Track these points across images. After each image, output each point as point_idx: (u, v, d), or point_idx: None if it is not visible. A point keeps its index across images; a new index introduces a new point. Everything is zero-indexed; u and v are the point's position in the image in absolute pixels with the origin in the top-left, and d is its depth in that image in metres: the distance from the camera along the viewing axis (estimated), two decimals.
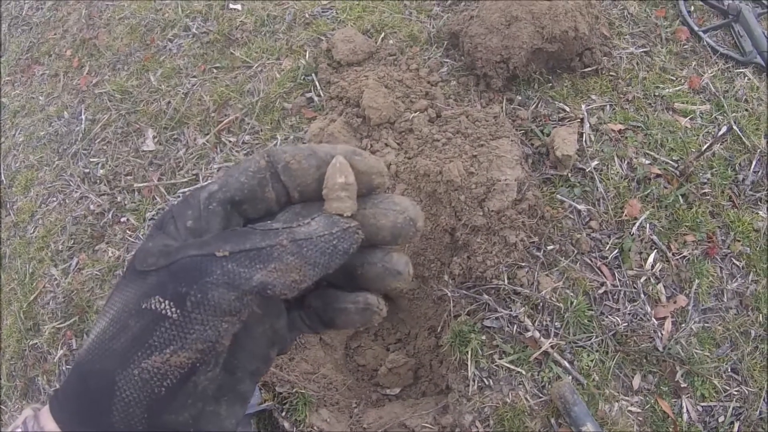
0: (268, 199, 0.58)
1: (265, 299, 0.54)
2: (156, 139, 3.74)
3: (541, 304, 2.77)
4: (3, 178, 4.17)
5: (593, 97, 3.23)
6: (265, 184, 0.57)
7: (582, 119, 3.13)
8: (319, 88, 3.48)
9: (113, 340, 0.53)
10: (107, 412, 0.51)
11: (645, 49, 3.43)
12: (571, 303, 2.75)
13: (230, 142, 3.51)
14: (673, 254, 2.86)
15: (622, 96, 3.24)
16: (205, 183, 0.61)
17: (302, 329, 0.65)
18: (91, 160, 3.87)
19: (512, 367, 2.68)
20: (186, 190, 3.46)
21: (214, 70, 3.88)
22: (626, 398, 2.62)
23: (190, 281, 0.51)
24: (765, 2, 3.54)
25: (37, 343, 3.40)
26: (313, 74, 3.55)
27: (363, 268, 0.60)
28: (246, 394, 0.61)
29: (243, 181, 0.57)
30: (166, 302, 0.51)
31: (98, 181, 3.75)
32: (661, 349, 2.67)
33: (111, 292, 0.57)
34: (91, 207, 3.66)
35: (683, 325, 2.74)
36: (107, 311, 0.55)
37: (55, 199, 3.85)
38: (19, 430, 0.57)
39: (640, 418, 2.59)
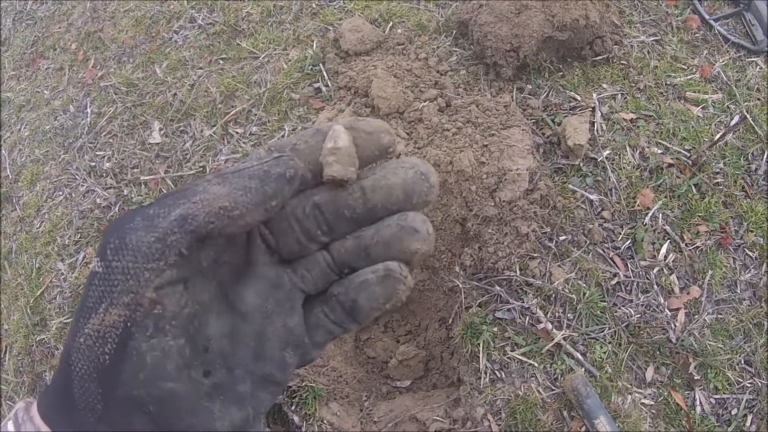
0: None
1: (198, 246, 0.51)
2: (162, 132, 3.72)
3: (553, 295, 2.74)
4: (9, 172, 4.15)
5: (604, 85, 3.20)
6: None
7: (593, 108, 3.10)
8: (326, 78, 3.45)
9: (75, 318, 0.50)
10: (69, 390, 0.49)
11: (656, 38, 3.39)
12: (584, 294, 2.72)
13: (237, 133, 3.48)
14: (686, 245, 2.83)
15: (633, 85, 3.21)
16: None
17: (329, 327, 0.60)
18: (97, 153, 3.85)
19: (524, 359, 2.66)
20: None
21: (221, 62, 3.85)
22: (639, 390, 2.60)
23: (111, 232, 0.49)
24: None
25: (44, 339, 3.38)
26: (320, 64, 3.52)
27: (378, 232, 0.56)
28: (247, 397, 0.57)
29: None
30: (96, 259, 0.49)
31: (104, 174, 3.74)
32: (674, 340, 2.64)
33: None
34: (98, 200, 3.64)
35: (696, 316, 2.71)
36: None
37: (61, 193, 3.83)
38: (10, 421, 0.56)
39: (653, 411, 2.57)
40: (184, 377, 0.51)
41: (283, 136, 3.36)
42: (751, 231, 2.88)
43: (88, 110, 4.08)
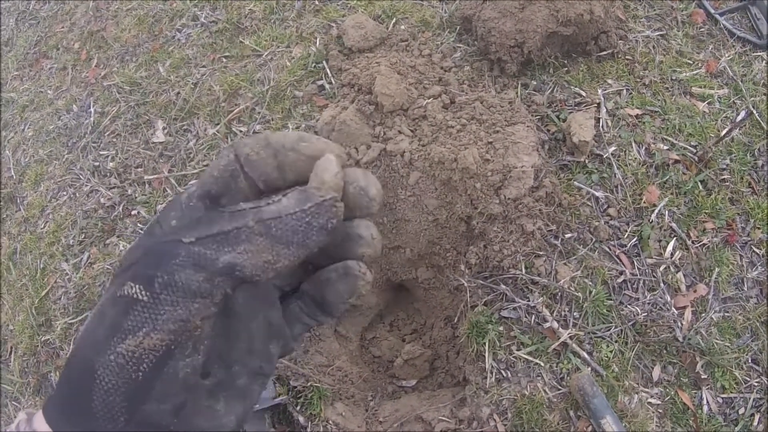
0: (242, 189, 0.57)
1: (256, 288, 0.55)
2: (166, 131, 3.71)
3: (559, 293, 2.73)
4: (13, 173, 4.15)
5: (609, 81, 3.18)
6: (236, 176, 0.57)
7: (598, 104, 3.09)
8: (330, 75, 3.44)
9: (94, 330, 0.52)
10: (88, 402, 0.51)
11: (661, 33, 3.37)
12: (590, 292, 2.71)
13: (241, 131, 3.47)
14: (692, 242, 2.81)
15: (638, 80, 3.19)
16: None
17: (304, 320, 0.65)
18: (101, 153, 3.84)
19: (530, 358, 2.64)
20: (197, 181, 3.42)
21: (224, 60, 3.84)
22: (646, 390, 2.59)
23: (158, 264, 0.51)
24: None
25: (49, 339, 3.38)
26: (324, 61, 3.51)
27: (331, 239, 0.58)
28: (245, 390, 0.60)
29: (216, 175, 0.57)
30: (137, 286, 0.51)
31: (108, 174, 3.73)
32: (681, 339, 2.63)
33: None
34: (102, 200, 3.64)
35: (703, 314, 2.70)
36: (94, 309, 0.55)
37: (65, 193, 3.83)
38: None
39: (660, 410, 2.56)
40: (201, 384, 0.56)
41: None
42: (758, 228, 2.86)
43: (92, 110, 4.08)
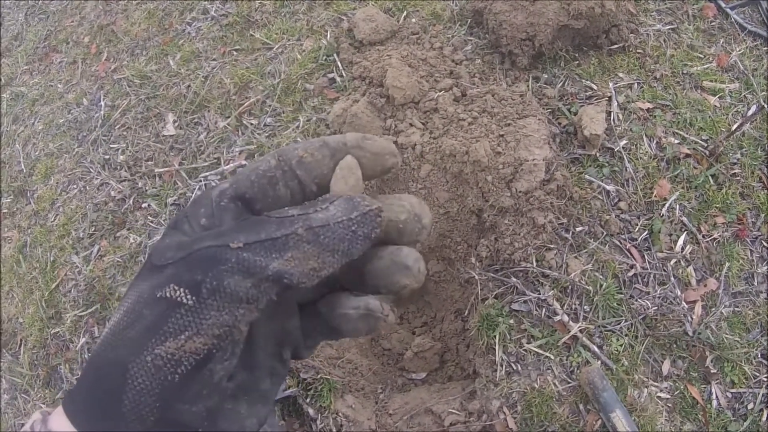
0: (280, 197, 0.57)
1: (283, 294, 0.53)
2: (176, 124, 3.72)
3: (569, 287, 2.72)
4: (23, 166, 4.16)
5: (621, 74, 3.18)
6: (275, 182, 0.57)
7: (610, 97, 3.08)
8: (341, 68, 3.44)
9: (127, 329, 0.52)
10: (118, 401, 0.50)
11: (672, 26, 3.36)
12: (601, 286, 2.70)
13: (252, 124, 3.48)
14: (703, 236, 2.80)
15: (649, 74, 3.18)
16: (218, 183, 0.59)
17: (317, 337, 0.64)
18: (111, 146, 3.85)
19: (540, 351, 2.64)
20: (207, 173, 3.44)
21: (234, 53, 3.85)
22: (655, 384, 2.58)
23: (206, 269, 0.51)
24: None
25: (59, 332, 3.39)
26: (334, 54, 3.51)
27: (371, 263, 0.58)
28: (267, 393, 0.60)
29: (252, 179, 0.57)
30: (181, 290, 0.50)
31: (119, 167, 3.74)
32: (691, 333, 2.62)
33: (127, 289, 0.56)
34: (112, 193, 3.64)
35: (713, 309, 2.69)
36: (122, 305, 0.54)
37: (75, 186, 3.84)
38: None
39: (669, 404, 2.55)
40: (231, 391, 0.55)
41: (297, 127, 3.36)
42: None
43: (102, 103, 4.08)
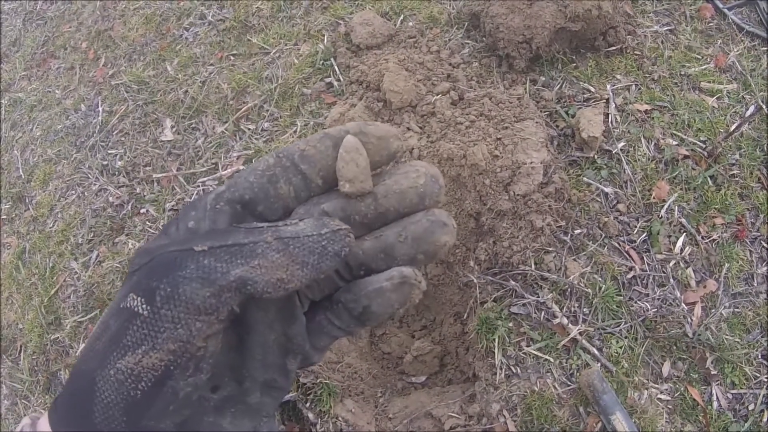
0: (282, 196, 0.57)
1: (274, 301, 0.53)
2: (174, 129, 3.72)
3: (568, 289, 2.72)
4: (21, 172, 4.16)
5: (618, 76, 3.18)
6: (275, 181, 0.56)
7: (607, 100, 3.08)
8: (338, 72, 3.44)
9: (97, 341, 0.51)
10: (90, 413, 0.49)
11: (669, 27, 3.36)
12: (600, 288, 2.70)
13: (249, 129, 3.48)
14: (702, 237, 2.80)
15: (647, 75, 3.18)
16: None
17: (333, 333, 0.61)
18: (110, 152, 3.85)
19: (540, 354, 2.64)
20: (205, 179, 3.44)
21: (232, 58, 3.85)
22: (656, 386, 2.58)
23: (162, 275, 0.49)
24: None
25: (58, 338, 3.39)
26: (332, 59, 3.51)
27: (406, 231, 0.57)
28: (257, 407, 0.58)
29: (251, 180, 0.56)
30: (138, 299, 0.49)
31: (117, 172, 3.74)
32: (690, 335, 2.62)
33: None
34: (110, 199, 3.64)
35: (713, 310, 2.69)
36: (102, 315, 0.54)
37: (73, 192, 3.84)
38: None
39: (670, 406, 2.55)
40: (195, 400, 0.53)
41: (295, 132, 3.36)
42: None
43: (100, 109, 4.08)
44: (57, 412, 0.53)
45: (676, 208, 2.85)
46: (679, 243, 2.79)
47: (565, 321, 2.66)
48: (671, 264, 2.77)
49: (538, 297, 2.72)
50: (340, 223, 0.53)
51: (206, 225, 0.54)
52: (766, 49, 3.28)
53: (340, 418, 2.68)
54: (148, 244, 0.54)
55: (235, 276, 0.49)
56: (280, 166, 0.56)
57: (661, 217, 2.82)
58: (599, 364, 2.59)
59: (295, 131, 3.36)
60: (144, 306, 0.48)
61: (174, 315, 0.48)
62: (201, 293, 0.48)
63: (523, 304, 2.73)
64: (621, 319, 2.67)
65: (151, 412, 0.49)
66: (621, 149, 2.94)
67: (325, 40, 3.63)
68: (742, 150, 2.96)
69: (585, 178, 2.90)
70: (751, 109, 3.04)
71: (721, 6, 3.40)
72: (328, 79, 3.46)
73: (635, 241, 2.80)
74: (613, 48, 3.22)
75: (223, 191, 0.56)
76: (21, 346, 3.56)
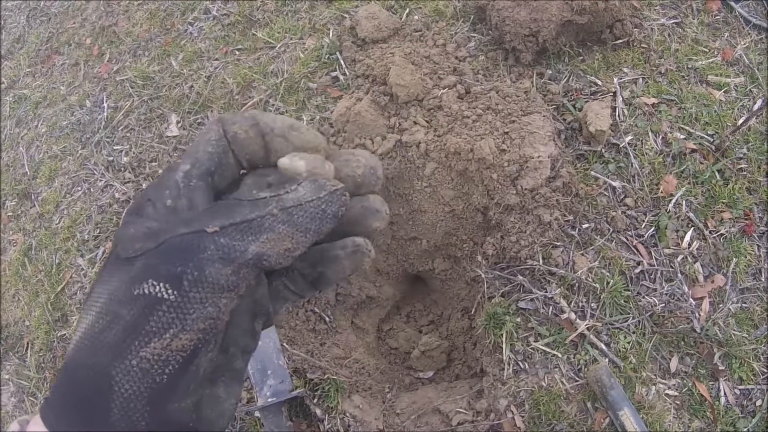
0: (231, 165, 0.58)
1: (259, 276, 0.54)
2: (180, 124, 3.71)
3: (576, 284, 2.71)
4: (27, 169, 4.16)
5: (625, 70, 3.16)
6: (227, 151, 0.57)
7: (614, 93, 3.06)
8: (344, 66, 3.43)
9: (104, 332, 0.50)
10: (106, 411, 0.49)
11: (676, 20, 3.34)
12: (608, 283, 2.69)
13: None
14: (710, 232, 2.79)
15: (654, 69, 3.16)
16: (173, 164, 0.57)
17: (287, 297, 0.64)
18: (115, 147, 3.85)
19: (548, 349, 2.63)
20: None
21: (237, 52, 3.84)
22: (663, 381, 2.57)
23: (185, 260, 0.50)
24: None
25: (65, 334, 3.40)
26: (337, 53, 3.50)
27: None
28: (241, 372, 0.60)
29: (210, 151, 0.57)
30: (161, 284, 0.50)
31: (122, 168, 3.74)
32: (698, 330, 2.61)
33: (92, 286, 0.55)
34: (116, 195, 3.64)
35: (721, 305, 2.68)
36: (92, 305, 0.53)
37: (79, 188, 3.84)
38: None
39: (678, 402, 2.54)
40: (214, 379, 0.55)
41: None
42: None
43: (105, 105, 4.08)
44: (54, 412, 0.52)
45: (684, 202, 2.83)
46: (687, 237, 2.78)
47: (572, 316, 2.65)
48: (679, 259, 2.75)
49: (546, 292, 2.71)
50: (336, 182, 0.56)
51: (184, 203, 0.55)
52: None
53: (347, 414, 2.68)
54: (135, 229, 0.54)
55: (252, 253, 0.51)
56: (227, 138, 0.57)
57: (669, 211, 2.81)
58: (607, 360, 2.58)
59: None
60: (170, 291, 0.49)
61: (202, 296, 0.50)
62: (224, 272, 0.50)
63: (531, 299, 2.72)
64: (629, 314, 2.66)
65: (175, 394, 0.50)
66: (628, 143, 2.93)
67: (331, 34, 3.62)
68: (750, 144, 2.94)
69: (592, 172, 2.89)
70: (759, 102, 3.02)
71: None
72: (333, 73, 3.45)
73: (643, 236, 2.79)
74: (620, 41, 3.20)
75: (189, 169, 0.56)
76: (28, 343, 3.56)
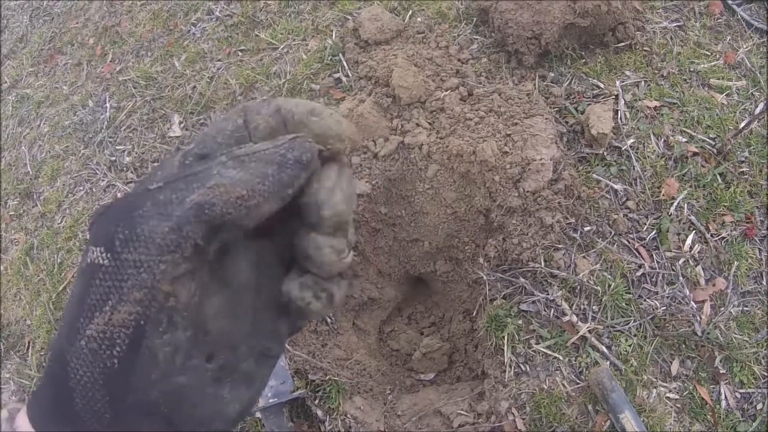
0: None
1: (258, 258, 0.51)
2: (182, 125, 3.71)
3: (578, 287, 2.71)
4: (29, 168, 4.16)
5: (627, 73, 3.16)
6: (244, 142, 0.51)
7: (617, 96, 3.07)
8: (347, 68, 3.43)
9: (65, 315, 0.48)
10: (70, 400, 0.46)
11: (678, 24, 3.35)
12: (609, 286, 2.69)
13: None
14: (711, 235, 2.79)
15: (656, 72, 3.17)
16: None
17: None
18: (117, 147, 3.85)
19: (549, 352, 2.63)
20: None
21: (240, 53, 3.84)
22: (664, 384, 2.57)
23: (118, 220, 0.46)
24: None
25: None
26: (340, 54, 3.50)
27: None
28: (252, 375, 0.56)
29: (220, 141, 0.51)
30: (98, 249, 0.46)
31: (125, 168, 3.74)
32: (699, 333, 2.61)
33: None
34: (118, 195, 3.64)
35: (722, 308, 2.67)
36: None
37: (81, 188, 3.84)
38: None
39: (678, 405, 2.54)
40: (189, 368, 0.49)
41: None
42: None
43: (107, 105, 4.08)
44: (36, 407, 0.51)
45: (686, 205, 2.83)
46: (689, 241, 2.78)
47: (574, 318, 2.65)
48: (680, 262, 2.75)
49: (548, 294, 2.71)
50: (298, 134, 0.50)
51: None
52: None
53: (348, 416, 2.68)
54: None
55: (191, 203, 0.45)
56: (248, 130, 0.51)
57: (671, 214, 2.81)
58: (608, 362, 2.58)
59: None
60: (104, 255, 0.45)
61: (136, 258, 0.44)
62: (159, 229, 0.44)
63: (533, 302, 2.72)
64: (630, 317, 2.67)
65: (133, 382, 0.45)
66: (630, 146, 2.93)
67: (334, 36, 3.62)
68: (752, 147, 2.94)
69: (594, 175, 2.89)
70: (761, 106, 3.02)
71: (730, 2, 3.39)
72: (336, 75, 3.45)
73: (645, 239, 2.80)
74: (622, 44, 3.21)
75: (191, 149, 0.52)
76: (29, 342, 3.56)
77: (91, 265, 0.46)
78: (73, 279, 3.45)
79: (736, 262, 2.74)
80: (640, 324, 2.65)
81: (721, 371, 2.57)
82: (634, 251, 2.78)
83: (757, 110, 3.00)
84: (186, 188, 0.46)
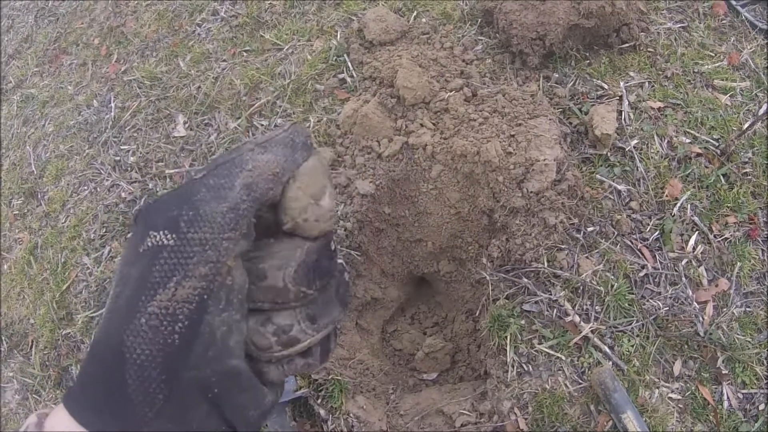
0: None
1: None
2: (187, 125, 3.72)
3: (581, 287, 2.72)
4: (34, 168, 4.18)
5: (631, 73, 3.17)
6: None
7: (621, 97, 3.07)
8: (351, 68, 3.44)
9: (117, 299, 0.50)
10: (122, 384, 0.47)
11: (683, 25, 3.35)
12: (612, 286, 2.69)
13: (262, 125, 3.48)
14: (714, 236, 2.79)
15: (660, 72, 3.17)
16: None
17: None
18: (122, 147, 3.86)
19: (552, 352, 2.64)
20: None
21: (244, 54, 3.85)
22: (667, 385, 2.57)
23: (179, 205, 0.50)
24: None
25: (70, 333, 3.40)
26: (345, 55, 3.50)
27: None
28: (270, 380, 0.58)
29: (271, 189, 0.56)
30: (160, 233, 0.49)
31: (129, 168, 3.75)
32: (702, 334, 2.61)
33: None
34: (123, 195, 3.65)
35: (725, 309, 2.67)
36: (113, 283, 0.52)
37: (86, 187, 3.85)
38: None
39: (681, 405, 2.54)
40: (239, 351, 0.52)
41: (308, 128, 3.35)
42: None
43: (112, 105, 4.09)
44: (77, 397, 0.52)
45: (689, 206, 2.83)
46: (692, 241, 2.78)
47: (577, 319, 2.65)
48: (683, 262, 2.76)
49: (551, 294, 2.72)
50: (297, 122, 0.57)
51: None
52: None
53: (351, 415, 2.69)
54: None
55: (240, 185, 0.51)
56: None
57: (674, 215, 2.81)
58: (611, 363, 2.59)
59: (308, 127, 3.36)
60: (169, 236, 0.49)
61: (201, 237, 0.48)
62: (220, 210, 0.49)
63: (536, 302, 2.72)
64: (633, 317, 2.67)
65: (192, 359, 0.48)
66: (634, 147, 2.93)
67: (338, 36, 3.63)
68: (755, 148, 2.94)
69: (598, 176, 2.90)
70: (764, 107, 3.02)
71: (734, 3, 3.39)
72: (341, 75, 3.45)
73: (648, 239, 2.80)
74: (627, 45, 3.21)
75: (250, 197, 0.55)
76: (32, 341, 3.57)
77: (153, 248, 0.49)
78: (77, 278, 3.47)
79: (738, 263, 2.74)
80: (643, 324, 2.65)
81: (723, 372, 2.57)
82: (637, 252, 2.78)
83: (761, 111, 3.00)
84: (229, 173, 0.51)
